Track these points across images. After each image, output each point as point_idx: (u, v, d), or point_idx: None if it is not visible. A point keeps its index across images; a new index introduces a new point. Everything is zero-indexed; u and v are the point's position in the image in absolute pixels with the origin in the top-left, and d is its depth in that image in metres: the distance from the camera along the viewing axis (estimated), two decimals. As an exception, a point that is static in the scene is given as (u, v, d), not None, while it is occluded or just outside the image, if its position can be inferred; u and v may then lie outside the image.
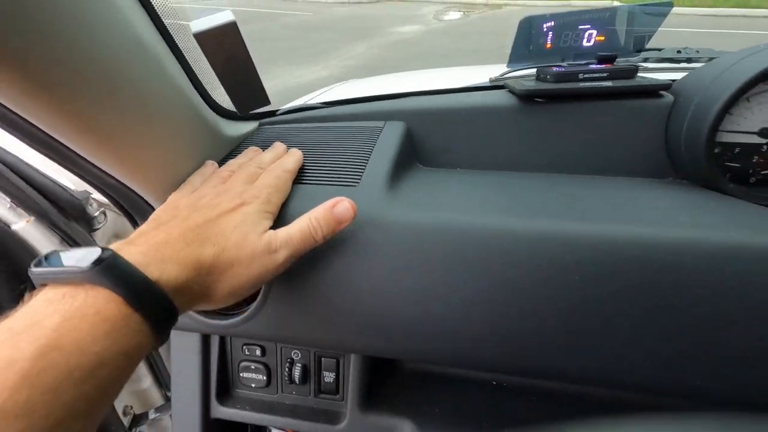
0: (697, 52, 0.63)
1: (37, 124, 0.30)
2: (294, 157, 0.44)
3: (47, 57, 0.26)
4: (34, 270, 0.24)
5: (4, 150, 0.42)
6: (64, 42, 0.27)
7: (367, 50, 5.65)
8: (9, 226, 0.43)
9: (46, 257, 0.25)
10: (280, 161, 0.42)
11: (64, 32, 0.26)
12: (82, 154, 0.33)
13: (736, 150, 0.48)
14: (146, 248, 0.28)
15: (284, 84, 4.09)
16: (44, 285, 0.25)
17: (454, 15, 8.58)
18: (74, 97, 0.29)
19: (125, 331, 0.24)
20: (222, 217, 0.32)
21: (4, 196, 0.42)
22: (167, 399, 0.66)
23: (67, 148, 0.32)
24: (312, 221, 0.34)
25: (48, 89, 0.27)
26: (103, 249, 0.25)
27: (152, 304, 0.26)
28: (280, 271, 0.34)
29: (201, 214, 0.32)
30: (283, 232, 0.34)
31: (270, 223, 0.35)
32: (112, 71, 0.31)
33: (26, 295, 0.24)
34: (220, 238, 0.31)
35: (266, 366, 0.44)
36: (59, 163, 0.35)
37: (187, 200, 0.35)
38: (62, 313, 0.23)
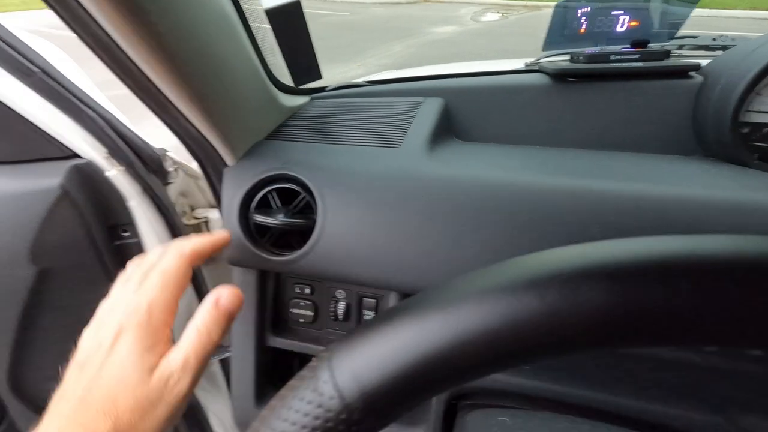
0: (733, 40, 0.64)
1: (153, 80, 0.37)
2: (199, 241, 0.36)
3: (162, 20, 0.33)
4: None
5: (104, 108, 0.50)
6: (172, 10, 0.33)
7: (404, 49, 5.71)
8: (104, 172, 0.50)
9: None
10: (175, 246, 0.35)
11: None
12: (177, 105, 0.40)
13: (765, 130, 0.50)
14: None
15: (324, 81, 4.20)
16: None
17: (492, 16, 8.51)
18: (176, 56, 0.35)
19: None
20: (104, 367, 0.29)
21: (101, 146, 0.50)
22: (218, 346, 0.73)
23: (168, 101, 0.39)
24: (201, 330, 0.31)
25: (161, 49, 0.34)
26: None
27: None
28: (191, 394, 0.30)
29: (87, 369, 0.29)
30: (177, 356, 0.30)
31: (159, 346, 0.30)
32: (201, 37, 0.37)
33: None
34: (110, 404, 0.28)
35: (314, 303, 0.50)
36: (159, 115, 0.42)
37: (83, 342, 0.32)
38: None
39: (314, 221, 0.43)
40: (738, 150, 0.49)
